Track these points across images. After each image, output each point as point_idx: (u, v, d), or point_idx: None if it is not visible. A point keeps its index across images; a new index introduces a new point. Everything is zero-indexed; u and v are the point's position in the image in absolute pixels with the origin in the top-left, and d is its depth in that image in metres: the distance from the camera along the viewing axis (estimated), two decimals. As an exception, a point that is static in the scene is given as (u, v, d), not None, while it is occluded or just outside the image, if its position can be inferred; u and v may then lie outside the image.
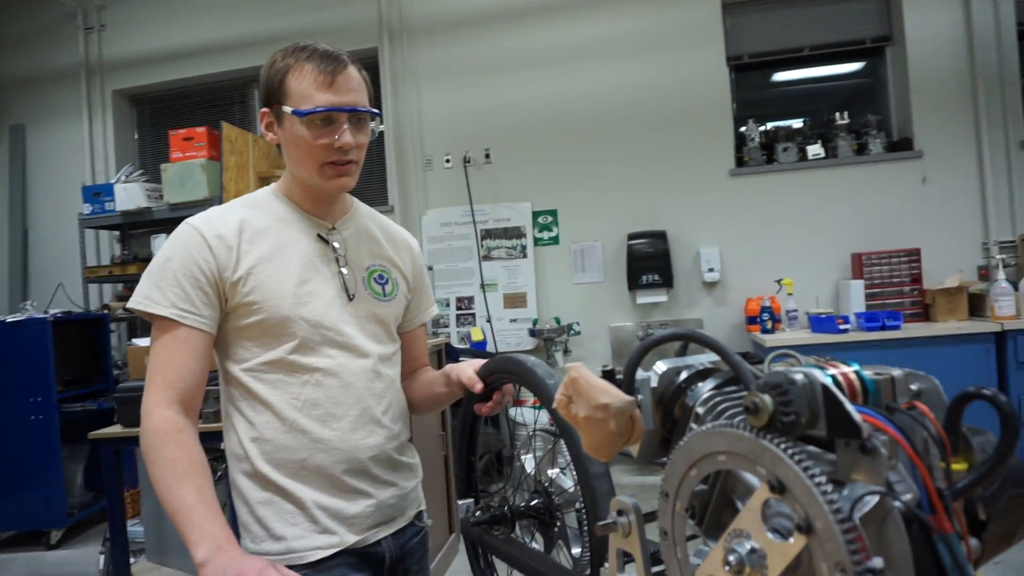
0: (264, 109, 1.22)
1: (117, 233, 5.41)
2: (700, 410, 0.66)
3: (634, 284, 4.65)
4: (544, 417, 3.77)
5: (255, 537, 1.16)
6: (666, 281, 4.60)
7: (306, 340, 1.17)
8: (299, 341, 1.16)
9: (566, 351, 4.68)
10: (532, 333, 4.68)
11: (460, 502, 1.14)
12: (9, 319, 4.14)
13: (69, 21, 5.71)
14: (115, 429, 2.72)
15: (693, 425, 0.66)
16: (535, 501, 1.04)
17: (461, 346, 4.75)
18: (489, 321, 4.89)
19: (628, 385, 0.70)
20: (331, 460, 1.16)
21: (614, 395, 0.67)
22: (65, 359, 4.31)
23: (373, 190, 5.29)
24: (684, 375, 0.71)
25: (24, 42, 5.82)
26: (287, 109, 1.16)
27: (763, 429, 0.52)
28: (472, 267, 4.98)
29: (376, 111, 1.26)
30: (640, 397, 0.69)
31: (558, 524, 1.01)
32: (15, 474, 4.05)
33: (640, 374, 0.70)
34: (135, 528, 2.93)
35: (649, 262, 4.60)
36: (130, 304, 1.14)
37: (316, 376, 1.17)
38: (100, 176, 5.56)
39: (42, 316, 4.18)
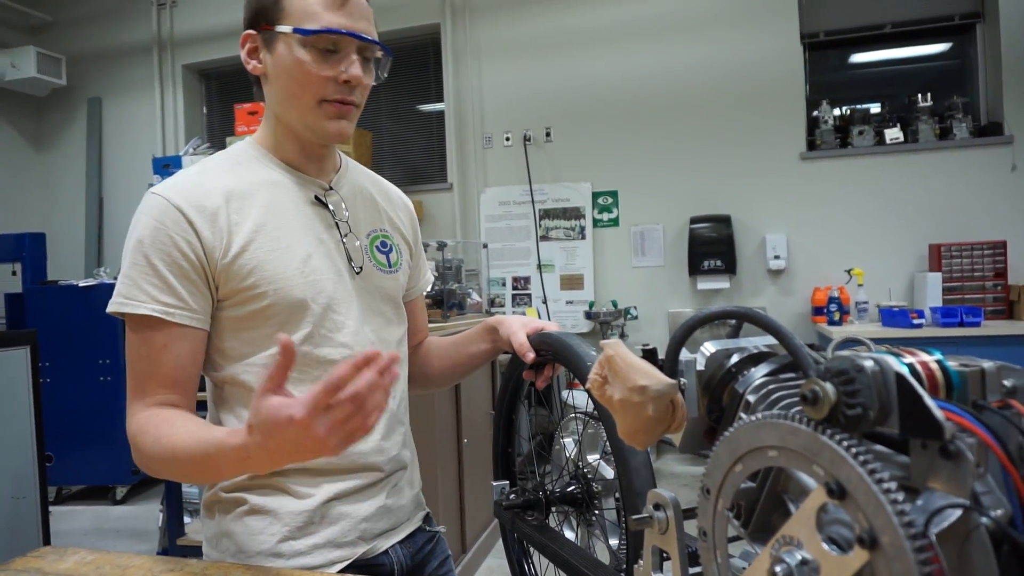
0: (250, 31, 1.01)
1: (185, 204, 5.55)
2: (751, 398, 0.58)
3: (695, 269, 4.51)
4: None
5: (241, 550, 0.98)
6: (729, 267, 4.44)
7: (319, 327, 0.99)
8: (311, 329, 0.99)
9: (622, 335, 4.58)
10: (588, 316, 4.60)
11: (494, 483, 1.09)
12: (82, 284, 4.31)
13: (144, -3, 5.87)
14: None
15: (743, 415, 0.59)
16: (572, 487, 0.98)
17: (515, 326, 4.71)
18: (545, 302, 4.83)
19: (671, 367, 0.63)
20: (345, 463, 1.01)
21: (653, 377, 0.60)
22: (132, 324, 4.45)
23: (432, 167, 5.27)
24: (735, 358, 0.64)
25: (102, 17, 6.01)
26: (284, 28, 0.96)
27: (822, 422, 0.44)
28: (529, 247, 4.92)
29: (389, 50, 1.03)
30: (684, 381, 0.62)
31: (595, 513, 0.95)
32: (85, 432, 4.23)
33: (685, 355, 0.63)
34: (190, 489, 3.01)
35: (712, 247, 4.45)
36: (109, 308, 0.94)
37: (331, 370, 0.95)
38: (170, 148, 5.71)
39: (112, 282, 4.32)
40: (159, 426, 0.90)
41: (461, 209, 5.05)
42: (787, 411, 0.48)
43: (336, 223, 1.06)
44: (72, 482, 4.39)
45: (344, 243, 1.05)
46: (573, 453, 1.01)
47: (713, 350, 0.64)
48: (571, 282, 4.84)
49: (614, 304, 4.62)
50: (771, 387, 0.58)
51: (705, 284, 4.53)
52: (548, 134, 4.90)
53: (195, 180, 0.99)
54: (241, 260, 0.96)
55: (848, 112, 4.54)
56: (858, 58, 4.71)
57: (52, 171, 6.16)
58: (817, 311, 4.23)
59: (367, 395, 0.73)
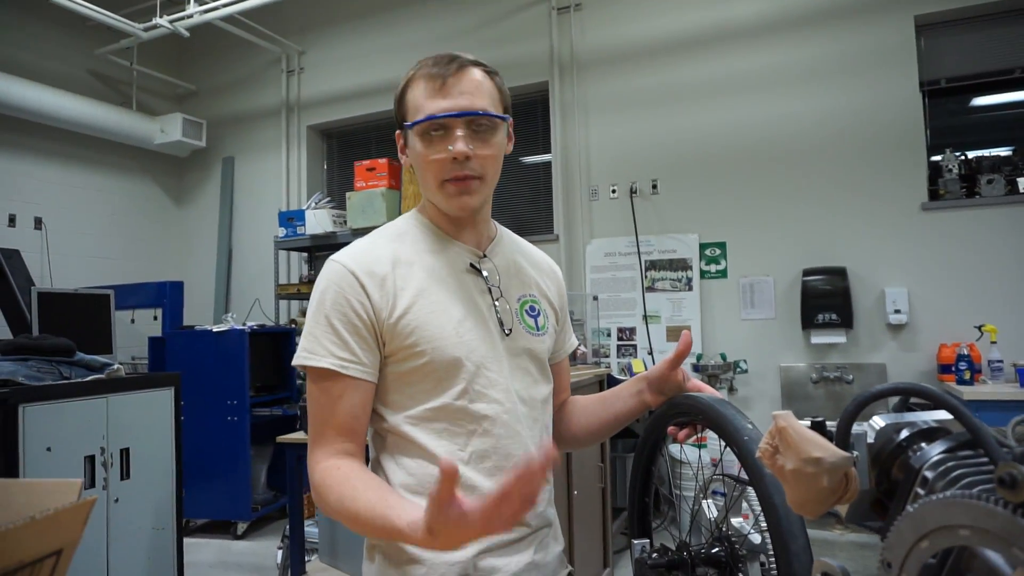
0: (399, 130, 1.15)
1: (306, 254, 5.92)
2: (928, 474, 0.60)
3: (809, 323, 4.37)
4: (706, 456, 3.60)
5: None
6: (845, 321, 4.28)
7: (472, 384, 1.06)
8: (465, 385, 1.06)
9: (731, 389, 4.48)
10: (696, 368, 4.53)
11: (635, 542, 1.11)
12: (215, 329, 4.64)
13: (274, 65, 6.39)
14: (299, 435, 2.95)
15: (919, 490, 0.60)
16: (716, 549, 0.99)
17: (621, 377, 4.69)
18: (651, 353, 4.80)
19: (843, 439, 0.65)
20: None
21: (827, 449, 0.62)
22: (257, 367, 4.75)
23: (539, 219, 5.40)
24: (905, 433, 0.65)
25: (237, 85, 6.59)
26: (406, 124, 1.09)
27: (1021, 506, 0.46)
28: (635, 298, 4.93)
29: (499, 115, 1.08)
30: (856, 453, 0.64)
31: (741, 577, 0.95)
32: (211, 468, 4.50)
33: (855, 428, 0.65)
34: (311, 528, 3.14)
35: (826, 300, 4.31)
36: (294, 362, 1.07)
37: (484, 425, 1.06)
38: (294, 203, 6.12)
39: (241, 328, 4.64)
40: (342, 485, 0.99)
41: (567, 259, 5.12)
42: (971, 490, 0.50)
43: (489, 288, 1.14)
44: (197, 515, 4.66)
45: (496, 307, 1.14)
46: (717, 515, 1.02)
47: (883, 424, 0.66)
48: (677, 334, 4.79)
49: (723, 357, 4.53)
50: (950, 464, 0.59)
51: (819, 338, 4.37)
52: (655, 186, 4.93)
53: (367, 248, 1.12)
54: (404, 321, 1.05)
55: (974, 159, 4.33)
56: (981, 101, 4.50)
57: (189, 224, 6.73)
58: (944, 369, 3.99)
59: (531, 490, 0.77)
